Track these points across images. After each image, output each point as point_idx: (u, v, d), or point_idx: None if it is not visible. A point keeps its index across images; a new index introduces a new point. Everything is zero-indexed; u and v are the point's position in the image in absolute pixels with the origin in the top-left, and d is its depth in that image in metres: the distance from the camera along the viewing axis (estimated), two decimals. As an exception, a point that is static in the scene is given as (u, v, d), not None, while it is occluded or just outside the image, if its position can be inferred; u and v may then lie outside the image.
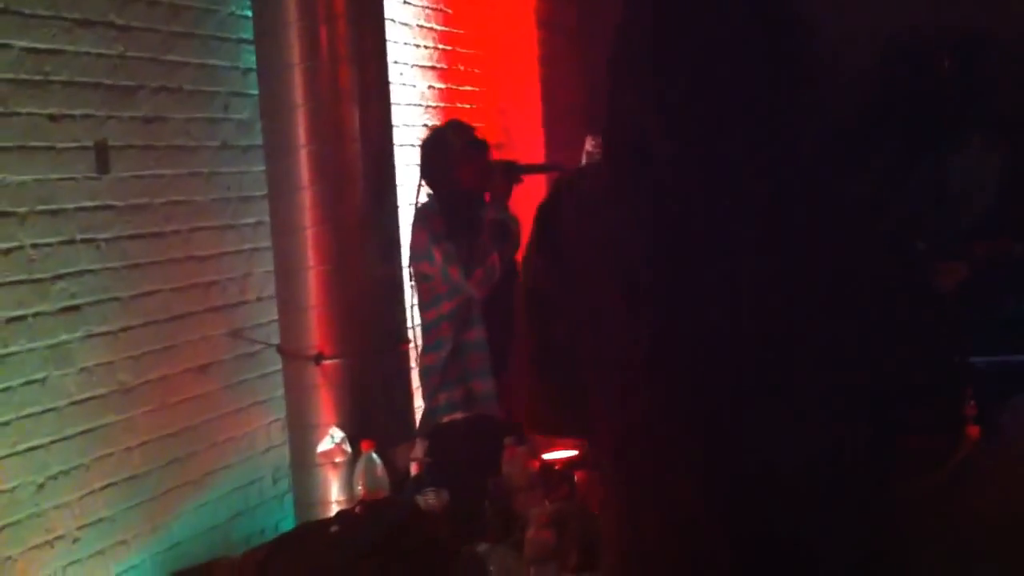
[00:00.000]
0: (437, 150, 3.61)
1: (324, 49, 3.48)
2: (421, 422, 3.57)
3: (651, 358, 1.40)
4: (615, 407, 1.46)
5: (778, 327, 1.38)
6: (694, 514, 1.40)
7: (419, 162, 3.67)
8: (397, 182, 3.81)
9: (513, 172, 3.64)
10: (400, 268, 3.70)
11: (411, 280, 3.62)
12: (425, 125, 4.57)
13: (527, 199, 3.63)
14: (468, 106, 5.00)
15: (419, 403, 3.73)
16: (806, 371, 1.38)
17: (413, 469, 3.06)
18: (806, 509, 1.38)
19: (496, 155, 4.82)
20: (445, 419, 3.47)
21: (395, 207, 3.75)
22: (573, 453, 4.05)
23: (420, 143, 3.73)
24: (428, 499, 2.83)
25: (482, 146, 3.67)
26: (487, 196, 3.60)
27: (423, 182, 3.64)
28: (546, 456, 3.96)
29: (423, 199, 3.64)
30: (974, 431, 5.70)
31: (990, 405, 5.79)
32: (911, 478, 1.53)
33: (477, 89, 5.14)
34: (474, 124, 3.85)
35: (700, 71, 1.41)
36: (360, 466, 2.90)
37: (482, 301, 3.49)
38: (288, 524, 3.56)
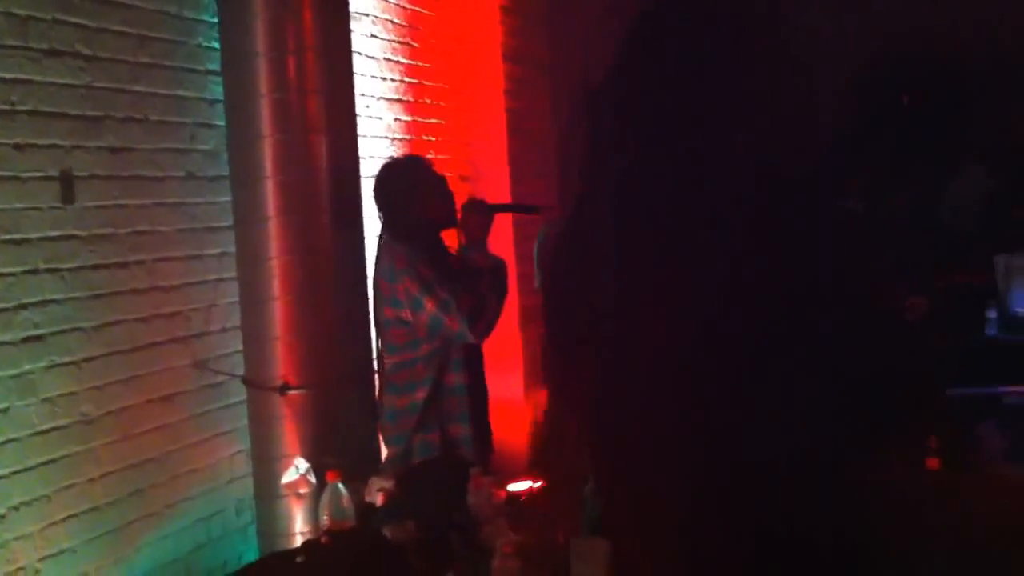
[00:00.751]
0: (399, 182, 3.51)
1: (292, 80, 3.50)
2: (393, 462, 3.46)
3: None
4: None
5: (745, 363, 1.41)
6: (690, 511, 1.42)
7: (377, 195, 3.54)
8: (364, 213, 3.81)
9: (489, 211, 3.55)
10: (367, 298, 3.67)
11: (378, 320, 3.49)
12: (391, 158, 4.58)
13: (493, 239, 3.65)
14: (433, 139, 5.03)
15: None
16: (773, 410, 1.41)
17: (379, 500, 3.05)
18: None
19: (463, 188, 4.86)
20: (419, 462, 3.39)
21: (362, 238, 3.75)
22: (539, 484, 4.05)
23: (377, 176, 3.59)
24: (395, 530, 2.83)
25: (443, 178, 3.60)
26: (460, 235, 3.51)
27: (382, 217, 3.51)
28: (512, 487, 3.97)
29: (390, 239, 3.46)
30: (934, 463, 5.76)
31: (954, 436, 5.85)
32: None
33: (443, 122, 5.17)
34: (435, 157, 3.85)
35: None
36: (325, 497, 2.88)
37: (464, 345, 3.41)
38: (251, 556, 3.53)
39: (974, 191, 7.72)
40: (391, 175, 3.56)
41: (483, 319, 3.34)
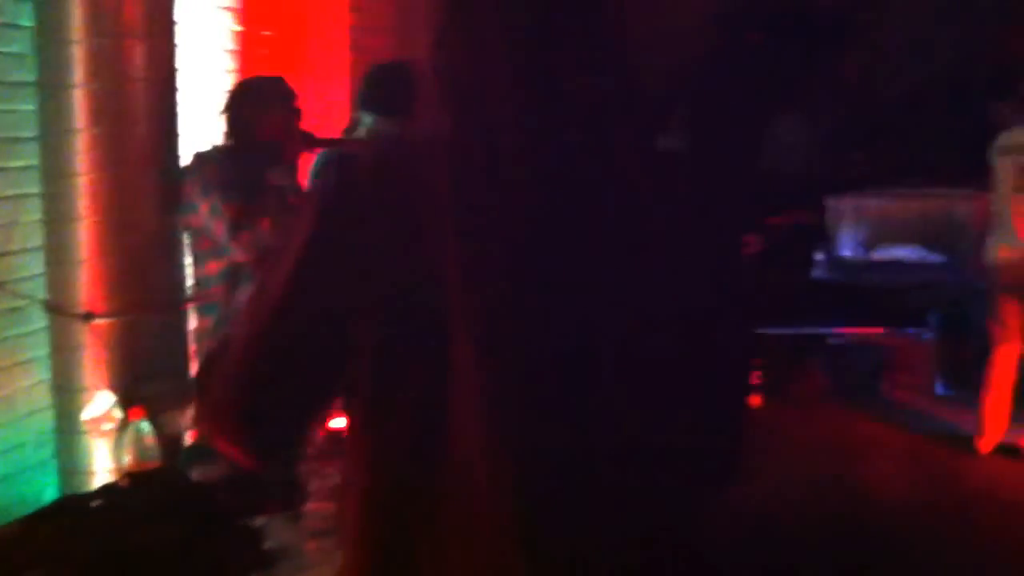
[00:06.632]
0: (251, 97, 3.49)
1: (105, -21, 3.23)
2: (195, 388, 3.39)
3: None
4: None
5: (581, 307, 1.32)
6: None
7: (226, 108, 3.50)
8: (183, 128, 3.58)
9: (312, 143, 3.53)
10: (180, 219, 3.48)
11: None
12: (217, 68, 4.33)
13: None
14: (266, 51, 4.76)
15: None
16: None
17: (189, 437, 2.89)
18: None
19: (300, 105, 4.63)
20: None
21: (178, 156, 3.52)
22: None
23: (232, 89, 3.57)
24: (203, 470, 2.68)
25: (297, 109, 3.55)
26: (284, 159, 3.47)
27: (227, 130, 3.48)
28: (333, 423, 3.85)
29: (207, 148, 3.47)
30: (756, 400, 5.97)
31: (777, 373, 6.04)
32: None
33: (277, 34, 4.90)
34: (269, 72, 3.68)
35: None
36: (128, 435, 2.71)
37: (254, 260, 3.30)
38: (53, 493, 3.32)
39: (801, 133, 7.91)
40: (247, 87, 3.57)
41: (251, 232, 3.24)
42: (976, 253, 5.56)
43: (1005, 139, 5.23)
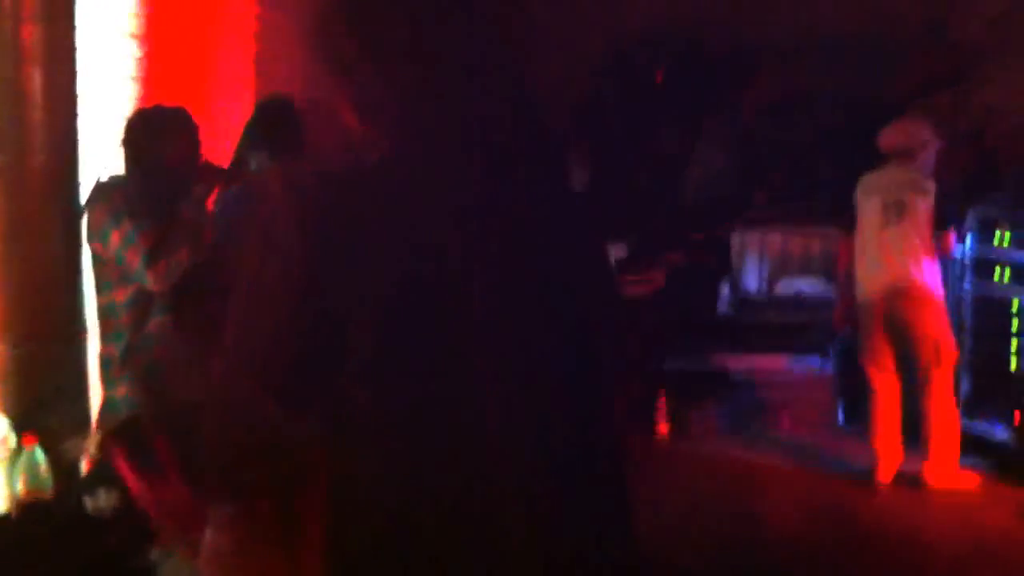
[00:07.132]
0: (149, 123, 3.45)
1: (4, 5, 3.17)
2: (99, 417, 3.30)
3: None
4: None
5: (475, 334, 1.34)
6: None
7: (124, 135, 3.45)
8: (83, 156, 3.52)
9: (222, 176, 3.52)
10: (81, 248, 3.42)
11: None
12: (120, 95, 4.28)
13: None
14: (171, 79, 4.72)
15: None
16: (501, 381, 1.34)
17: (85, 466, 2.83)
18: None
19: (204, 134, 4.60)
20: (127, 414, 3.22)
21: (79, 184, 3.46)
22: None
23: (130, 116, 3.53)
24: (98, 500, 2.62)
25: (197, 140, 3.53)
26: (193, 188, 3.42)
27: (126, 156, 3.43)
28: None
29: (111, 175, 3.41)
30: (664, 429, 6.03)
31: (680, 405, 6.12)
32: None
33: (182, 61, 4.86)
34: (172, 100, 3.65)
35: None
36: (20, 464, 2.64)
37: (172, 288, 3.26)
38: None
39: (710, 170, 8.07)
40: (144, 113, 3.54)
41: (167, 262, 3.19)
42: (843, 295, 5.60)
43: (870, 179, 5.38)
